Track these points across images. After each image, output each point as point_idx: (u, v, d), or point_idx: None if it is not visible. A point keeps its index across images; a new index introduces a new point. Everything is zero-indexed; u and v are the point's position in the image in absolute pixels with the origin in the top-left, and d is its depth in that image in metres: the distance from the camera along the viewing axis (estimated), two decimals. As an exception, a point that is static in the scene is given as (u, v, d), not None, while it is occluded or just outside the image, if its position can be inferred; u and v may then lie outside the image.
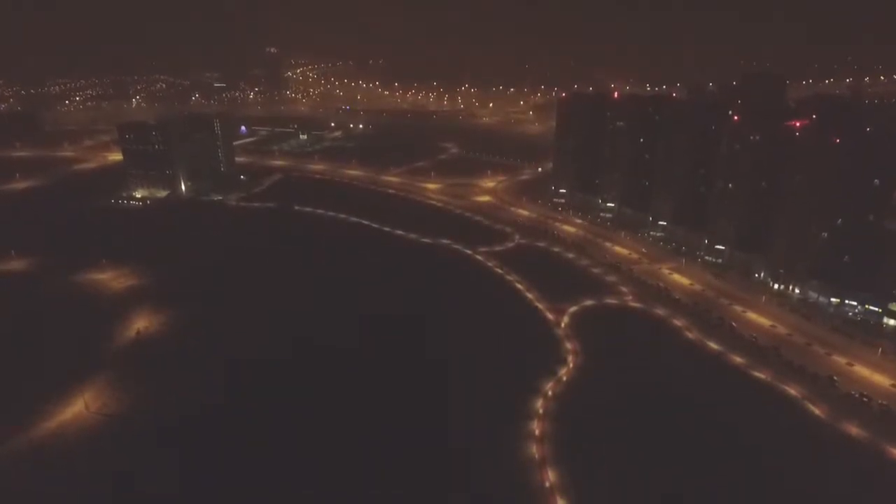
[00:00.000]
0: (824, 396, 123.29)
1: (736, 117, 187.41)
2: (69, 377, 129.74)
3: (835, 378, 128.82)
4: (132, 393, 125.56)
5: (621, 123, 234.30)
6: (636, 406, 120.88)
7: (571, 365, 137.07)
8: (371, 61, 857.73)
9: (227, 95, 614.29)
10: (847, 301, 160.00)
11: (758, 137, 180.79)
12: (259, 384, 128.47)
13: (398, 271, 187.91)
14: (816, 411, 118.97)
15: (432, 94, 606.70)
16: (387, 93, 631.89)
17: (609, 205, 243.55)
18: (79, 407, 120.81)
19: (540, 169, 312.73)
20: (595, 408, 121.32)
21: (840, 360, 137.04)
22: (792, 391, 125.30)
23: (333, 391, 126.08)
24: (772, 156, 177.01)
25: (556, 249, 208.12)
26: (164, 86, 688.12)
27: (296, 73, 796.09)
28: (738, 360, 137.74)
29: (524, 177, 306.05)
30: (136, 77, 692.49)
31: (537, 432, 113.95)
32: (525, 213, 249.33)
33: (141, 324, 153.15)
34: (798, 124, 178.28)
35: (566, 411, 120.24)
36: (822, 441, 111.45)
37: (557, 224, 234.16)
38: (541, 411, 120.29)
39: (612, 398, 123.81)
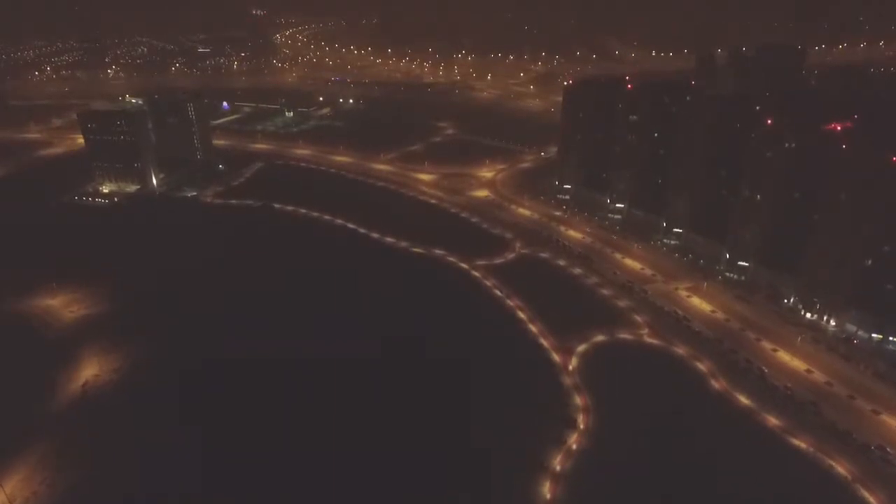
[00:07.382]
0: (878, 477, 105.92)
1: (769, 121, 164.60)
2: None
3: (888, 449, 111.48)
4: (71, 478, 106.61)
5: (634, 117, 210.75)
6: (658, 486, 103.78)
7: (582, 426, 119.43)
8: (364, 21, 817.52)
9: (210, 63, 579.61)
10: (891, 338, 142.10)
11: (793, 145, 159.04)
12: (232, 462, 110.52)
13: (385, 295, 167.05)
14: (872, 501, 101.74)
15: (427, 62, 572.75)
16: (379, 60, 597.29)
17: (618, 205, 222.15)
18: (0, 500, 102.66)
19: (543, 153, 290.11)
20: (610, 488, 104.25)
21: (890, 421, 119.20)
22: (839, 469, 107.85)
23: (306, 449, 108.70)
24: (808, 165, 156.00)
25: (560, 262, 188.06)
26: (145, 50, 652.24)
27: (284, 36, 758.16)
28: (772, 421, 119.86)
29: (525, 164, 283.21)
30: (116, 40, 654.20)
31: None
32: (526, 212, 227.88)
33: (90, 372, 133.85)
34: (839, 127, 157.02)
35: (577, 494, 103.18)
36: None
37: (562, 229, 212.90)
38: (548, 496, 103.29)
39: (630, 475, 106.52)
